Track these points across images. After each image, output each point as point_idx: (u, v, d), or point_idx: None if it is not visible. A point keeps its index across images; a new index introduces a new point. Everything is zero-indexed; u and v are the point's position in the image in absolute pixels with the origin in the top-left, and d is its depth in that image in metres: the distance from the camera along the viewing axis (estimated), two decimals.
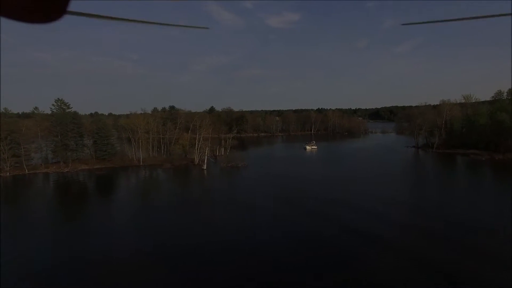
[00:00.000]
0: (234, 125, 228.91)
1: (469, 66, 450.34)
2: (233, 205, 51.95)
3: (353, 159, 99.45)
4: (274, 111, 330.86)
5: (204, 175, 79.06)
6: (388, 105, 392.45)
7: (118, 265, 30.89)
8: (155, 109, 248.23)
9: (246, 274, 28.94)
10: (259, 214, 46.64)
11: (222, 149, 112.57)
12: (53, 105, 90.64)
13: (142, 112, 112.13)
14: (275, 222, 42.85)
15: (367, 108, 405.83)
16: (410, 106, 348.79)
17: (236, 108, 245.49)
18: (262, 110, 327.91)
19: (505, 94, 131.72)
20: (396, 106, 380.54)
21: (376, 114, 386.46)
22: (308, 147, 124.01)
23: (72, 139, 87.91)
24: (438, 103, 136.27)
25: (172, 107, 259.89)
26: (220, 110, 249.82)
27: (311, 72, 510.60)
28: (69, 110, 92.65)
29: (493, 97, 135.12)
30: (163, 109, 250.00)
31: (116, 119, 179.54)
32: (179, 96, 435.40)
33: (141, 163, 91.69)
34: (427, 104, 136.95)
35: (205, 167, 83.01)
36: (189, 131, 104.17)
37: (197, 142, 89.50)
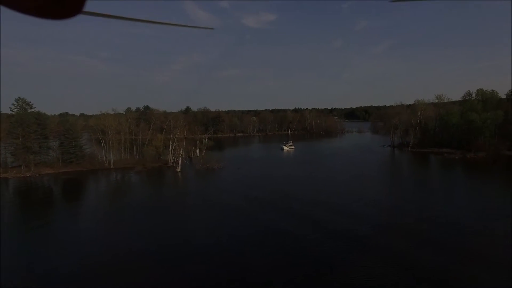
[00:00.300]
0: (211, 125, 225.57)
1: (441, 67, 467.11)
2: (207, 208, 49.68)
3: (331, 159, 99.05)
4: (251, 111, 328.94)
5: (178, 178, 75.80)
6: (363, 105, 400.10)
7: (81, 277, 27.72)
8: (128, 109, 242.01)
9: (215, 275, 28.50)
10: (233, 216, 45.12)
11: (198, 150, 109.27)
12: (13, 104, 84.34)
13: (113, 112, 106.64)
14: (248, 224, 41.58)
15: (343, 108, 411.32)
16: (385, 106, 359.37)
17: (212, 108, 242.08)
18: (239, 110, 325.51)
19: (473, 94, 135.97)
20: (371, 106, 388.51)
21: (351, 114, 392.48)
22: (285, 147, 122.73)
23: (35, 141, 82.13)
24: (412, 103, 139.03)
25: (146, 107, 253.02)
26: (196, 110, 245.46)
27: (287, 72, 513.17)
28: (32, 110, 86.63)
29: (463, 97, 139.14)
30: (137, 109, 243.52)
31: (87, 119, 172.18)
32: (155, 96, 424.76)
33: (111, 166, 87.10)
34: (402, 104, 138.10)
35: (179, 169, 79.65)
36: (163, 132, 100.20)
37: (171, 144, 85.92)
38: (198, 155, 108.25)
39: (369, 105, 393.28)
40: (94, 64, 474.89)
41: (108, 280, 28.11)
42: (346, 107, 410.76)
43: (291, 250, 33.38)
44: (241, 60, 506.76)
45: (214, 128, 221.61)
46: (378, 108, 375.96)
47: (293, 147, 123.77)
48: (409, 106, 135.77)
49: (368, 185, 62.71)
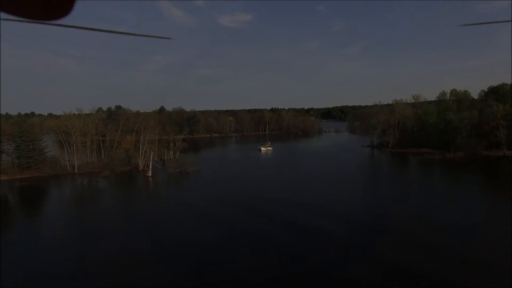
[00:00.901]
0: (186, 125, 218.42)
1: (411, 68, 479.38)
2: (178, 213, 45.26)
3: (309, 160, 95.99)
4: (228, 110, 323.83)
5: (148, 183, 70.04)
6: (339, 105, 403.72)
7: None
8: (99, 109, 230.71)
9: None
10: (207, 221, 42.08)
11: (171, 153, 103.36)
12: None
13: (78, 112, 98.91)
14: (223, 229, 39.40)
15: (320, 107, 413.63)
16: (360, 106, 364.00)
17: (188, 108, 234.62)
18: (215, 110, 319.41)
19: (448, 94, 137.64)
20: (347, 106, 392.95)
21: (328, 114, 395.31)
22: (263, 148, 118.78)
23: None
24: (388, 103, 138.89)
25: (118, 107, 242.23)
26: (171, 110, 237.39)
27: (264, 72, 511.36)
28: None
29: (437, 97, 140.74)
30: (108, 109, 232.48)
31: (56, 120, 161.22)
32: (130, 96, 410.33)
33: (76, 171, 79.85)
34: (381, 103, 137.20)
35: (150, 173, 73.67)
36: (134, 133, 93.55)
37: (141, 146, 79.74)
38: (171, 157, 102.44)
39: (345, 105, 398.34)
40: (65, 63, 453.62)
41: None
42: (323, 107, 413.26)
43: (267, 252, 32.88)
44: (217, 60, 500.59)
45: (189, 128, 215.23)
46: (354, 108, 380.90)
47: (271, 148, 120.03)
48: (386, 105, 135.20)
49: (348, 188, 59.78)
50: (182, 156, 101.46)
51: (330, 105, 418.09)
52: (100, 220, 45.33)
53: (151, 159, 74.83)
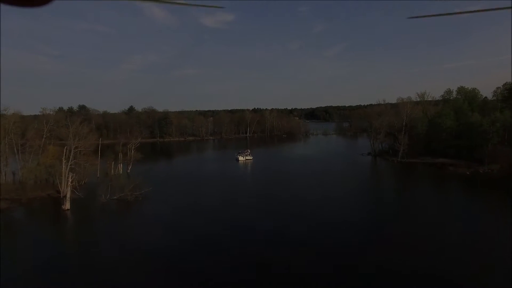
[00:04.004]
0: (156, 128, 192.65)
1: (394, 68, 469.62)
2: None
3: (297, 176, 72.66)
4: (209, 111, 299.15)
5: (59, 224, 45.44)
6: (323, 105, 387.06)
7: None
8: (60, 109, 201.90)
9: None
10: None
11: (120, 166, 78.86)
12: None
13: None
14: None
15: (303, 108, 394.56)
16: (344, 106, 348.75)
17: (160, 108, 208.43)
18: (196, 110, 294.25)
19: (454, 92, 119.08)
20: (331, 106, 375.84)
21: (312, 114, 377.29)
22: (241, 158, 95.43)
23: None
24: (389, 102, 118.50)
25: (82, 107, 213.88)
26: (140, 110, 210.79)
27: (246, 72, 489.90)
28: None
29: (442, 96, 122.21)
30: (69, 109, 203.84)
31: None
32: (106, 95, 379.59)
33: None
34: (385, 102, 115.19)
35: (67, 206, 48.78)
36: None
37: (64, 162, 54.62)
38: (120, 172, 78.07)
39: (329, 105, 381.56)
40: (41, 61, 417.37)
41: None
42: (306, 107, 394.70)
43: None
44: (199, 60, 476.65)
45: (160, 131, 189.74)
46: (338, 108, 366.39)
47: (250, 158, 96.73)
48: (370, 106, 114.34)
49: (364, 238, 37.57)
50: (136, 169, 77.69)
51: (314, 105, 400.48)
52: None
53: (69, 184, 49.87)
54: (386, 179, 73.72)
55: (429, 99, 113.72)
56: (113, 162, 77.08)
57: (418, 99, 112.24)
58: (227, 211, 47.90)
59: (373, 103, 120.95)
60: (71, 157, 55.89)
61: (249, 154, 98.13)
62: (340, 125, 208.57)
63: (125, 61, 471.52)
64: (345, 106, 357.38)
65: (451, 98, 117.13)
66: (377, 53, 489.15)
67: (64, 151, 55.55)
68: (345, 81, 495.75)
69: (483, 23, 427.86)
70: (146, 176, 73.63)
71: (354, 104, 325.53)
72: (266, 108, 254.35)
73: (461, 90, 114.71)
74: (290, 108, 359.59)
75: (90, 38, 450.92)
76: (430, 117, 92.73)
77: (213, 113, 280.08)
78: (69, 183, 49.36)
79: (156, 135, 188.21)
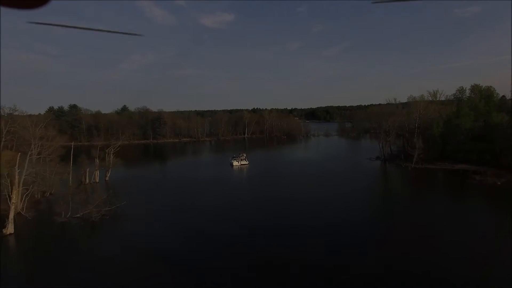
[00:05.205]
0: (149, 128, 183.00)
1: (394, 68, 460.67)
2: None
3: (300, 188, 61.77)
4: (208, 111, 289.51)
5: None
6: (323, 105, 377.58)
7: None
8: (50, 109, 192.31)
9: None
10: None
11: (96, 173, 69.16)
12: None
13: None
14: None
15: (303, 108, 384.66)
16: (345, 106, 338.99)
17: (155, 109, 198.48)
18: (195, 110, 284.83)
19: (467, 91, 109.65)
20: (332, 106, 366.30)
21: (312, 114, 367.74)
22: (235, 163, 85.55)
23: None
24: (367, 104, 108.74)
25: (73, 106, 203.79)
26: (133, 110, 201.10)
27: (245, 72, 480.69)
28: None
29: (454, 94, 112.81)
30: (60, 109, 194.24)
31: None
32: (106, 96, 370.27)
33: None
34: (396, 102, 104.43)
35: (10, 230, 38.86)
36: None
37: (16, 174, 44.87)
38: (96, 181, 68.52)
39: (329, 105, 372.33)
40: (41, 61, 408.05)
41: None
42: (306, 108, 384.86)
43: None
44: (198, 60, 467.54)
45: (153, 132, 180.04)
46: (339, 108, 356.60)
47: (246, 163, 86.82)
48: (366, 106, 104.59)
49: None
50: (117, 176, 68.35)
51: (314, 105, 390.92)
52: None
53: (12, 203, 40.03)
54: (405, 191, 62.63)
55: (442, 99, 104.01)
56: (87, 169, 67.47)
57: (430, 98, 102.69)
58: (211, 229, 38.15)
59: (373, 103, 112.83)
60: (25, 165, 46.22)
61: (245, 159, 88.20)
62: (342, 126, 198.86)
63: (125, 61, 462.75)
64: (345, 106, 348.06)
65: (463, 97, 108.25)
66: (377, 53, 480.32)
67: (17, 157, 45.77)
68: (345, 81, 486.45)
69: (483, 23, 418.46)
70: (127, 185, 64.47)
71: (354, 104, 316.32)
72: (266, 108, 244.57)
73: (475, 88, 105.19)
74: (290, 108, 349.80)
75: (90, 38, 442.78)
76: (446, 117, 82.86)
77: (212, 113, 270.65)
78: (12, 202, 39.41)
79: (149, 136, 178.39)
